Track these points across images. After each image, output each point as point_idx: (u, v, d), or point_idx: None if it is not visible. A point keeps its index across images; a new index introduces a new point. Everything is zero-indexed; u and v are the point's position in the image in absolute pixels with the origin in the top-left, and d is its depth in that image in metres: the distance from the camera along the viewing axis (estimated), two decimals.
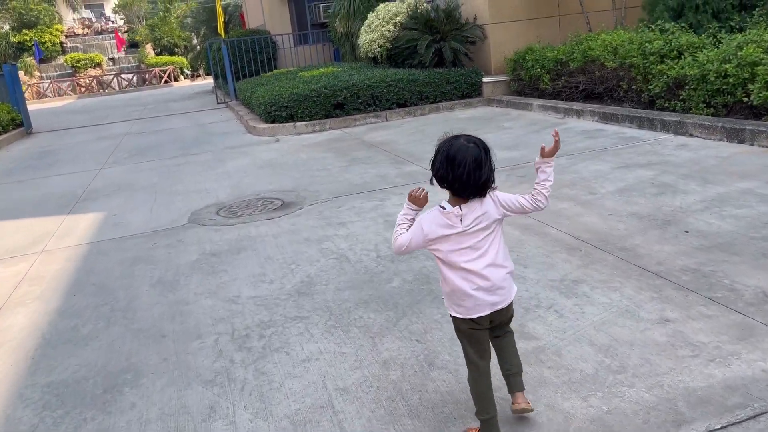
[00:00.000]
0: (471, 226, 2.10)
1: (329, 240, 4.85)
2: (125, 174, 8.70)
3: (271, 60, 17.74)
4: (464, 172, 2.05)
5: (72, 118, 19.50)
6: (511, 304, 2.21)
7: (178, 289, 4.17)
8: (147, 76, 35.41)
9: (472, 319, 2.14)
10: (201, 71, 38.07)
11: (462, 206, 2.11)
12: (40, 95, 33.12)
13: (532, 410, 2.32)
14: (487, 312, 2.13)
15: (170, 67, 35.65)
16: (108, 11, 54.34)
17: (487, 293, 2.11)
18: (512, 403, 2.29)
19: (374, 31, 12.22)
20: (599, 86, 8.97)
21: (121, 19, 42.75)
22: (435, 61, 11.52)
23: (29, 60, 34.41)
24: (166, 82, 35.21)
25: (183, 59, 37.45)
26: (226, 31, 25.76)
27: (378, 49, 12.25)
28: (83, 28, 40.47)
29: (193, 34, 39.27)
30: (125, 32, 38.86)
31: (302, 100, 10.83)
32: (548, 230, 4.48)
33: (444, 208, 2.14)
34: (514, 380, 2.30)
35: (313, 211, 5.73)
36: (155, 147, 11.03)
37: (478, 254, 2.10)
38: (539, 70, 10.09)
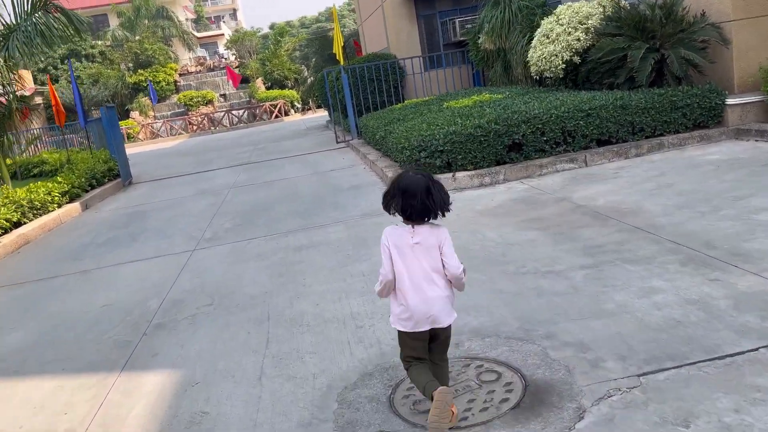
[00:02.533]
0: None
1: None
2: (223, 266, 5.86)
3: (398, 88, 14.87)
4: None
5: (177, 162, 17.63)
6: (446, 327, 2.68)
7: None
8: (257, 111, 34.13)
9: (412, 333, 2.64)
10: (312, 104, 36.42)
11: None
12: (154, 135, 32.59)
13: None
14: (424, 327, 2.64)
15: (281, 101, 34.18)
16: (221, 48, 55.04)
17: None
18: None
19: (555, 41, 8.90)
20: None
21: (233, 54, 42.34)
22: (651, 78, 8.00)
23: (144, 100, 34.19)
24: (276, 116, 33.74)
25: (293, 92, 35.96)
26: (344, 58, 23.56)
27: (561, 65, 8.90)
28: (196, 66, 40.28)
29: (303, 66, 37.92)
30: (236, 67, 38.11)
31: (463, 142, 7.67)
32: None
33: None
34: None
35: None
36: (265, 209, 8.26)
37: None
38: None
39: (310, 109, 36.96)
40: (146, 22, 39.81)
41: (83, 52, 37.44)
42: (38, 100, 32.52)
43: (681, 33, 7.93)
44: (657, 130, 7.89)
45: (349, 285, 4.67)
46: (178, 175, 14.04)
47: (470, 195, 7.14)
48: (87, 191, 11.71)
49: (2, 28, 10.52)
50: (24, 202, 9.30)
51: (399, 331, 2.69)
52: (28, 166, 17.32)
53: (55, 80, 35.38)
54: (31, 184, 10.44)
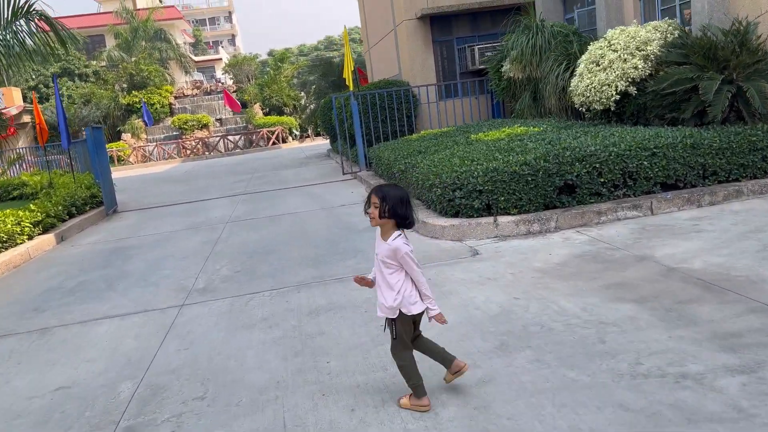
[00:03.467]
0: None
1: None
2: (220, 334, 4.58)
3: (411, 118, 13.77)
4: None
5: (169, 189, 16.36)
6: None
7: None
8: (254, 137, 33.01)
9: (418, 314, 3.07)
10: (310, 132, 35.40)
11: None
12: (145, 159, 31.35)
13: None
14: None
15: (278, 128, 33.11)
16: (218, 73, 54.24)
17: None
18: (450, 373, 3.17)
19: (608, 69, 7.81)
20: None
21: (231, 78, 41.43)
22: (725, 114, 6.90)
23: (137, 122, 33.01)
24: (274, 143, 32.63)
25: (292, 119, 34.93)
26: (345, 88, 22.53)
27: (614, 96, 7.80)
28: (193, 89, 39.27)
29: (302, 93, 37.02)
30: (234, 92, 37.13)
31: (507, 181, 6.50)
32: None
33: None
34: (447, 361, 3.16)
35: None
36: (269, 252, 7.01)
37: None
38: None
39: (308, 136, 35.94)
40: (143, 43, 38.89)
41: (77, 71, 36.38)
42: (26, 118, 31.28)
43: (758, 64, 6.86)
44: (732, 175, 6.76)
45: (393, 377, 3.41)
46: (169, 204, 12.77)
47: (520, 246, 5.94)
48: (64, 221, 10.41)
49: None
50: None
51: (409, 316, 3.06)
52: (7, 187, 16.00)
53: (45, 98, 34.22)
54: None
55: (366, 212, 3.07)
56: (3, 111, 27.52)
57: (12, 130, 19.41)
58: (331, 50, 67.13)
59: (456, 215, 6.77)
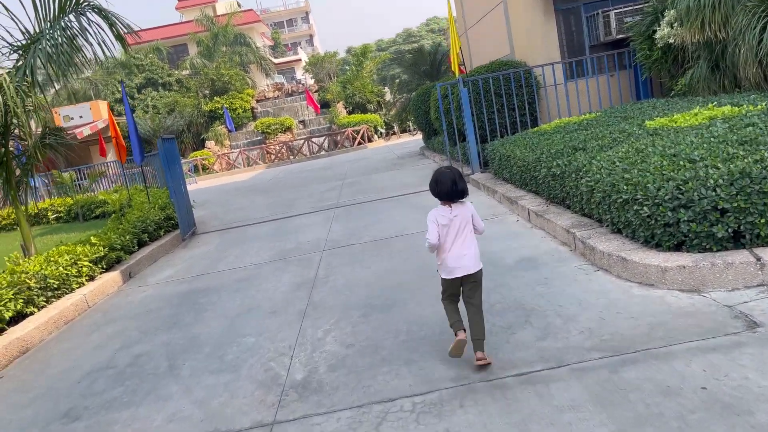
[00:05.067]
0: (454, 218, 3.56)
1: None
2: None
3: (534, 105, 11.32)
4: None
5: (253, 202, 14.74)
6: (475, 273, 3.59)
7: None
8: (339, 138, 31.37)
9: (450, 279, 3.61)
10: (396, 129, 33.39)
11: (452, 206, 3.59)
12: (230, 166, 30.41)
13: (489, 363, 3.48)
14: (459, 275, 3.57)
15: (364, 127, 31.29)
16: (298, 74, 53.33)
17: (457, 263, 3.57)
18: (475, 359, 3.49)
19: None
20: None
21: (311, 78, 40.11)
22: None
23: (220, 128, 32.19)
24: (359, 143, 30.86)
25: (376, 117, 33.05)
26: (439, 77, 20.24)
27: None
28: (274, 91, 38.22)
29: (386, 88, 35.06)
30: (315, 91, 35.69)
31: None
32: None
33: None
34: (476, 344, 3.51)
35: None
36: (391, 307, 4.87)
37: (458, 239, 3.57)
38: None
39: (394, 134, 33.98)
40: (224, 48, 38.27)
41: (160, 81, 36.14)
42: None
43: None
44: None
45: None
46: (254, 223, 11.01)
47: None
48: (132, 252, 8.79)
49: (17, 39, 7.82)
50: (32, 282, 6.36)
51: (442, 278, 3.66)
52: (90, 206, 15.02)
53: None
54: (52, 249, 7.58)
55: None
56: (88, 125, 27.24)
57: (102, 151, 18.65)
58: (410, 43, 64.91)
59: (679, 247, 4.37)
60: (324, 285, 5.97)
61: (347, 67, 41.64)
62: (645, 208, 4.46)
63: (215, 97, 33.04)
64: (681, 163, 4.64)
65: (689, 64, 8.99)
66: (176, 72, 38.21)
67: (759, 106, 5.95)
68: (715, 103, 6.76)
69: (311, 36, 75.29)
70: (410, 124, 30.96)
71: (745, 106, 6.08)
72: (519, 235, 6.46)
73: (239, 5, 54.39)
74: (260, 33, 52.31)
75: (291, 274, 6.69)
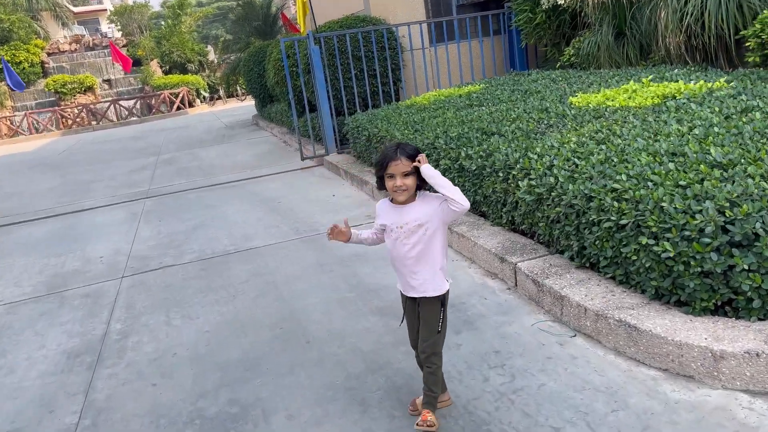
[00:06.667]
0: None
1: None
2: None
3: (398, 72, 9.42)
4: None
5: (35, 184, 11.25)
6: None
7: None
8: (154, 101, 27.21)
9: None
10: (221, 93, 29.96)
11: None
12: (13, 132, 24.98)
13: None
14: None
15: (183, 89, 27.45)
16: (103, 26, 46.54)
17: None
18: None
19: None
20: None
21: (119, 30, 34.74)
22: None
23: (0, 85, 26.33)
24: (179, 108, 27.03)
25: (199, 78, 29.29)
26: (273, 35, 17.52)
27: None
28: (71, 44, 32.36)
29: (209, 47, 31.29)
30: (123, 46, 30.77)
31: None
32: None
33: None
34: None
35: None
36: (245, 423, 2.67)
37: None
38: None
39: (219, 98, 30.52)
40: None
41: None
42: None
43: None
44: None
45: None
46: (26, 220, 7.90)
47: None
48: None
49: None
50: None
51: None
52: None
53: None
54: None
55: (395, 188, 2.30)
56: None
57: None
58: None
59: (716, 310, 2.72)
60: (118, 358, 3.55)
61: (162, 23, 36.71)
62: (666, 243, 2.72)
63: None
64: (702, 168, 2.97)
65: (582, 31, 7.67)
66: None
67: (718, 82, 4.56)
68: (651, 77, 5.33)
69: None
70: (239, 88, 27.78)
71: (702, 82, 4.67)
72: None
73: None
74: None
75: (64, 328, 4.12)
